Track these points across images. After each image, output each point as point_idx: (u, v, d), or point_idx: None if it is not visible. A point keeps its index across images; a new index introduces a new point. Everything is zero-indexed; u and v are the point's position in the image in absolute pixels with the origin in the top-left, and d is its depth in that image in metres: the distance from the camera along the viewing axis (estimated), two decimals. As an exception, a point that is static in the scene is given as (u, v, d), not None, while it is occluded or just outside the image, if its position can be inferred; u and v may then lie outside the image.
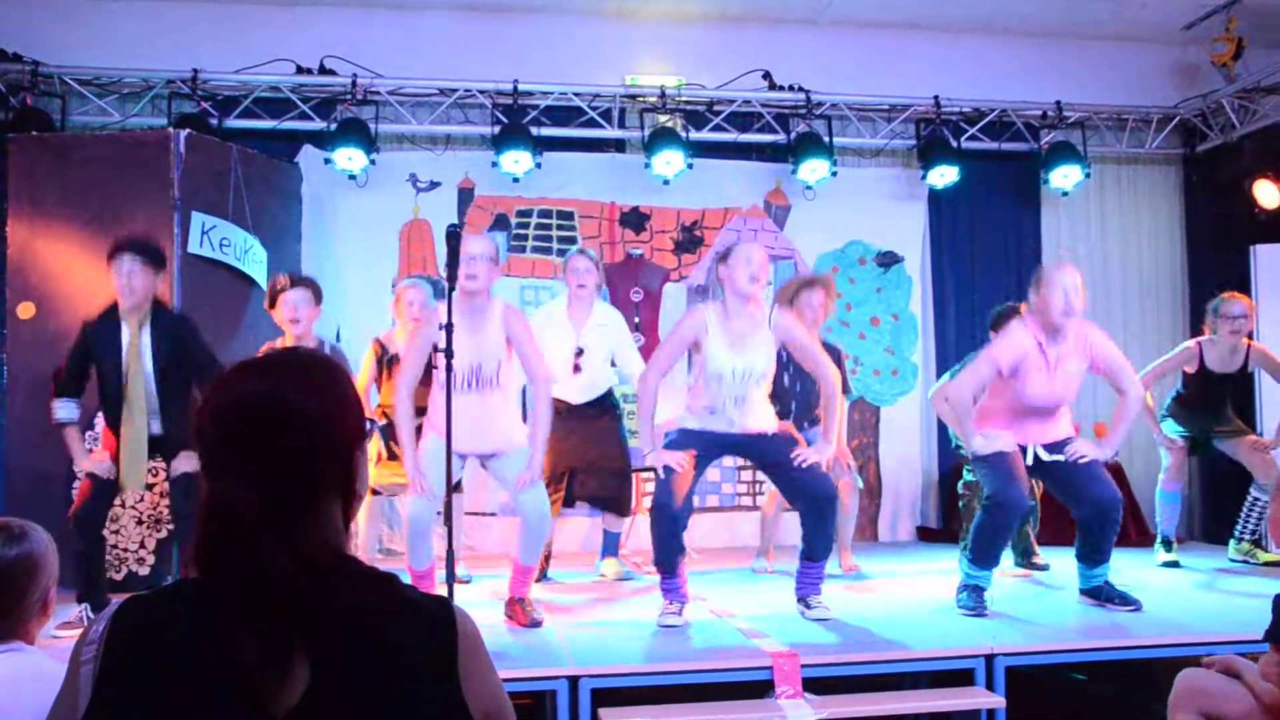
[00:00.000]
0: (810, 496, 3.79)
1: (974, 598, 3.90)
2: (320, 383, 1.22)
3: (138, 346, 3.99)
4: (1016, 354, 3.97)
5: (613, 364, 4.89)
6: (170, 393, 4.04)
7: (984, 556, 3.96)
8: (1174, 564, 5.12)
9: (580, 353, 4.75)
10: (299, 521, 1.15)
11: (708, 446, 3.85)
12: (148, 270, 3.99)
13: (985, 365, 4.02)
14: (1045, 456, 4.02)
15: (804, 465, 3.72)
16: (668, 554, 3.76)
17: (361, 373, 4.83)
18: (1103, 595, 4.00)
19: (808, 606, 3.83)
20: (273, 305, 4.51)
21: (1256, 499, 5.14)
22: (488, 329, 3.79)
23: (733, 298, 3.81)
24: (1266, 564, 5.08)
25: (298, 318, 4.43)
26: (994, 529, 3.94)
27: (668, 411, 6.09)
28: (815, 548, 3.85)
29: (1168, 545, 5.23)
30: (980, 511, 4.01)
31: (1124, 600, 3.93)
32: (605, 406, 4.91)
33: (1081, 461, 3.95)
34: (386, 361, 4.85)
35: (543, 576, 5.00)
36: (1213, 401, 5.16)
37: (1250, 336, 5.15)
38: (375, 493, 4.82)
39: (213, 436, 1.18)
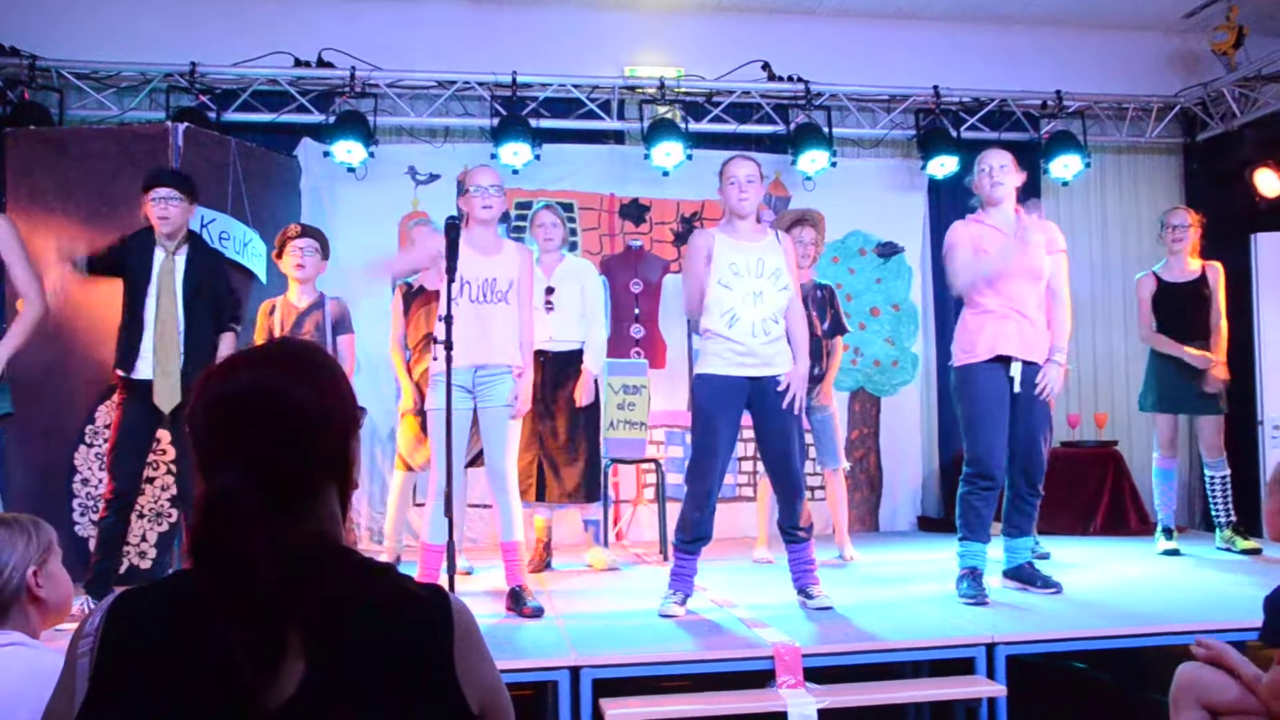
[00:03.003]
0: (778, 476, 3.86)
1: (974, 586, 3.90)
2: (312, 373, 1.22)
3: (172, 265, 4.09)
4: (961, 236, 4.08)
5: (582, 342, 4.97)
6: (193, 323, 4.10)
7: (973, 528, 3.99)
8: (1174, 552, 5.11)
9: (551, 290, 4.89)
10: (293, 513, 1.15)
11: (729, 402, 3.81)
12: (184, 201, 4.13)
13: (951, 255, 4.08)
14: (1017, 386, 3.99)
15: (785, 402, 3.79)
16: (693, 533, 3.81)
17: (393, 323, 4.95)
18: (1025, 577, 4.07)
19: (808, 597, 3.83)
20: (280, 255, 4.67)
21: (1213, 478, 5.21)
22: (504, 252, 3.96)
23: (732, 217, 3.95)
24: (1244, 552, 5.09)
25: (303, 263, 4.61)
26: (979, 499, 3.98)
27: (666, 405, 6.15)
28: (789, 525, 3.87)
29: (1168, 534, 5.23)
30: (961, 482, 4.04)
31: (1046, 584, 4.00)
32: (581, 366, 4.92)
33: (1047, 394, 3.99)
34: (414, 294, 4.95)
35: (545, 567, 5.02)
36: (1182, 314, 5.18)
37: (1201, 253, 5.26)
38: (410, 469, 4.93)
39: (205, 429, 1.17)
